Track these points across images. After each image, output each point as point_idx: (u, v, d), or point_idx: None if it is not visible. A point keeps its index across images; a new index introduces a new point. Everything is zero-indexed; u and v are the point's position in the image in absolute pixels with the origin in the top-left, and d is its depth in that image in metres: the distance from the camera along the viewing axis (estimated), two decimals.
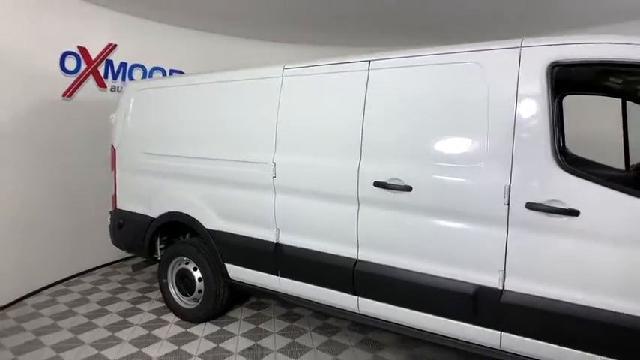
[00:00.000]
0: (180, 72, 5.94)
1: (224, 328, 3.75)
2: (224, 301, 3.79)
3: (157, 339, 3.56)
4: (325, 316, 3.92)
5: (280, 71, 3.25)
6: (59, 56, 4.75)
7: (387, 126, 2.79)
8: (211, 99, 3.65)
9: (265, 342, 3.51)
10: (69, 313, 4.04)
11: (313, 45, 6.50)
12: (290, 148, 3.16)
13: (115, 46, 5.33)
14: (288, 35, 6.28)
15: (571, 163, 2.34)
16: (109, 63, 5.32)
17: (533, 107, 2.35)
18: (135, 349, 3.38)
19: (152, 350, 3.37)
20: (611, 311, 2.16)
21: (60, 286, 4.72)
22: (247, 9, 5.18)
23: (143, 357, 3.27)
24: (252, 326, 3.79)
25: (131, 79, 5.50)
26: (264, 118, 3.27)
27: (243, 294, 4.24)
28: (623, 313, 2.14)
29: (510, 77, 2.40)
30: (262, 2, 4.92)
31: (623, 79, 2.73)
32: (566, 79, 2.64)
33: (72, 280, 4.91)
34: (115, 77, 5.39)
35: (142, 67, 5.68)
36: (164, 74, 5.82)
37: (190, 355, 3.30)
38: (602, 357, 2.21)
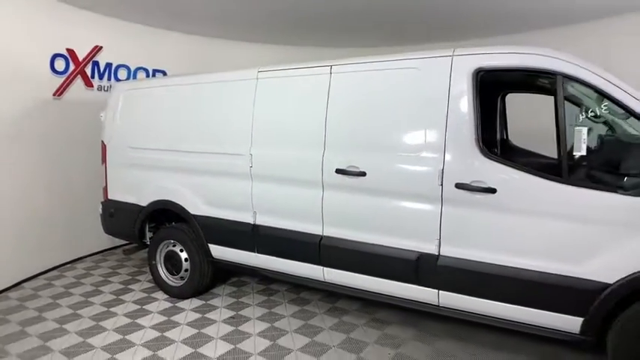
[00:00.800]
0: (164, 72, 6.33)
1: (208, 302, 4.22)
2: (208, 279, 4.25)
3: (148, 312, 4.00)
4: (298, 291, 4.42)
5: (255, 74, 3.72)
6: (49, 58, 5.09)
7: (345, 121, 3.30)
8: (196, 98, 4.08)
9: (245, 312, 3.99)
10: (65, 294, 4.44)
11: (291, 45, 6.93)
12: (264, 141, 3.63)
13: (101, 47, 5.68)
14: (265, 36, 6.70)
15: (504, 151, 2.88)
16: (96, 64, 5.68)
17: (462, 105, 2.88)
18: (129, 320, 3.82)
19: (145, 321, 3.82)
20: (524, 269, 2.72)
21: (55, 272, 5.10)
22: (225, 12, 5.58)
23: (137, 326, 3.71)
24: (234, 300, 4.26)
25: (116, 78, 5.86)
26: (241, 115, 3.73)
27: (225, 274, 4.71)
28: (533, 270, 2.70)
29: (444, 80, 2.93)
30: (240, 6, 5.32)
31: (540, 80, 3.27)
32: (503, 81, 3.18)
33: (66, 266, 5.29)
34: (101, 77, 5.75)
35: (127, 67, 6.05)
36: (147, 74, 6.19)
37: (179, 324, 3.76)
38: (519, 306, 2.76)
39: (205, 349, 3.33)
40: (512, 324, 2.84)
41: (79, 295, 4.42)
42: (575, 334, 2.66)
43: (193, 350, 3.33)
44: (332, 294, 4.14)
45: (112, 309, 4.08)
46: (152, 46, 6.23)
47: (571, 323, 2.64)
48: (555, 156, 2.82)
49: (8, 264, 4.58)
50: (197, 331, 3.64)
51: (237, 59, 5.68)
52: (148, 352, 3.29)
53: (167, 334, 3.59)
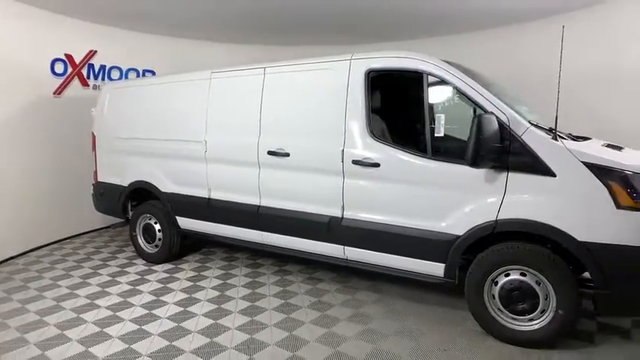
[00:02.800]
0: (152, 72, 7.15)
1: (178, 266, 5.05)
2: (177, 246, 5.08)
3: (127, 273, 4.85)
4: (255, 258, 5.21)
5: (209, 74, 4.52)
6: (49, 62, 5.97)
7: (276, 112, 4.07)
8: (165, 95, 4.90)
9: (206, 273, 4.81)
10: (62, 261, 5.32)
11: (263, 45, 7.65)
12: (216, 129, 4.43)
13: (96, 51, 6.55)
14: (245, 37, 7.41)
15: (399, 135, 3.61)
16: (91, 66, 6.55)
17: (357, 98, 3.62)
18: (109, 278, 4.68)
19: (123, 278, 4.67)
20: (402, 226, 3.46)
21: (55, 245, 6.01)
22: (206, 16, 6.29)
23: (116, 283, 4.56)
24: (199, 265, 5.08)
25: (110, 78, 6.73)
26: (198, 108, 4.54)
27: (195, 245, 5.54)
28: (408, 227, 3.43)
29: (345, 79, 3.67)
30: (217, 11, 6.04)
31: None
32: (393, 79, 3.89)
33: (65, 241, 6.20)
34: (96, 77, 6.62)
35: (119, 68, 6.91)
36: (138, 74, 7.04)
37: (150, 281, 4.59)
38: (400, 256, 3.50)
39: (166, 298, 4.15)
40: (398, 271, 3.58)
41: (72, 261, 5.30)
42: (441, 277, 3.38)
43: (156, 298, 4.15)
44: (279, 256, 4.93)
45: (99, 270, 4.95)
46: (142, 49, 7.05)
47: (437, 269, 3.37)
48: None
49: (16, 236, 5.49)
50: (162, 285, 4.47)
51: (220, 59, 6.41)
52: (119, 299, 4.13)
53: (139, 287, 4.43)
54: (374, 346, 3.19)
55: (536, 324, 3.06)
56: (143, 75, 7.06)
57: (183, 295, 4.19)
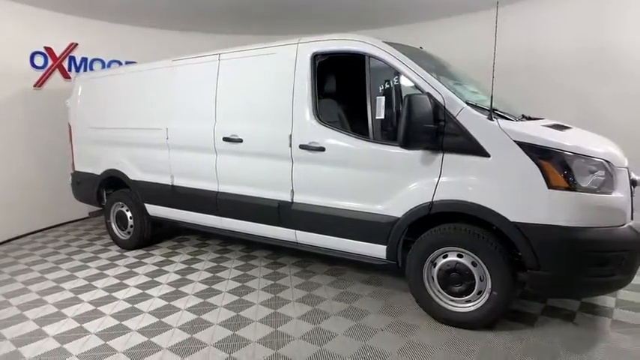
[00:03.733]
0: (135, 63, 7.23)
1: (149, 252, 5.16)
2: (148, 232, 5.18)
3: (99, 258, 4.99)
4: (225, 245, 5.29)
5: (170, 63, 4.57)
6: (29, 55, 6.11)
7: (229, 98, 4.12)
8: (129, 84, 5.00)
9: (175, 258, 4.91)
10: (43, 248, 5.51)
11: (235, 34, 7.64)
12: (176, 117, 4.50)
13: (76, 44, 6.66)
14: (224, 27, 7.47)
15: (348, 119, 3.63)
16: (72, 58, 6.68)
17: (304, 83, 3.63)
18: (81, 263, 4.83)
19: (93, 263, 4.81)
20: (346, 209, 3.48)
21: (39, 233, 6.20)
22: (184, 8, 6.36)
23: (85, 268, 4.69)
24: (170, 250, 5.19)
25: (92, 70, 6.83)
26: (160, 96, 4.61)
27: (171, 232, 5.65)
28: (353, 210, 3.45)
29: (292, 63, 3.68)
30: (196, 2, 6.11)
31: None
32: (340, 62, 3.86)
33: (52, 229, 6.39)
34: (77, 70, 6.74)
35: (101, 60, 7.02)
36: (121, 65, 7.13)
37: (118, 266, 4.71)
38: (346, 239, 3.53)
39: (129, 281, 4.26)
40: (346, 254, 3.61)
41: (52, 248, 5.47)
42: (384, 259, 3.40)
43: (119, 282, 4.27)
44: (249, 242, 5.01)
45: (73, 256, 5.10)
46: (123, 41, 7.12)
47: (380, 251, 3.38)
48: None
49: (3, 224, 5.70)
50: (129, 270, 4.59)
51: (198, 48, 6.43)
52: (84, 282, 4.27)
53: (106, 272, 4.55)
54: (315, 326, 3.24)
55: (472, 305, 3.06)
56: None
57: (146, 279, 4.30)
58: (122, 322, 3.41)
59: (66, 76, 6.59)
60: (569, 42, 5.75)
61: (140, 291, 4.01)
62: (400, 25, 6.97)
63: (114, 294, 3.97)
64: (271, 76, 3.83)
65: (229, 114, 4.10)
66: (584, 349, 2.82)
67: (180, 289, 4.03)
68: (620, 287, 2.94)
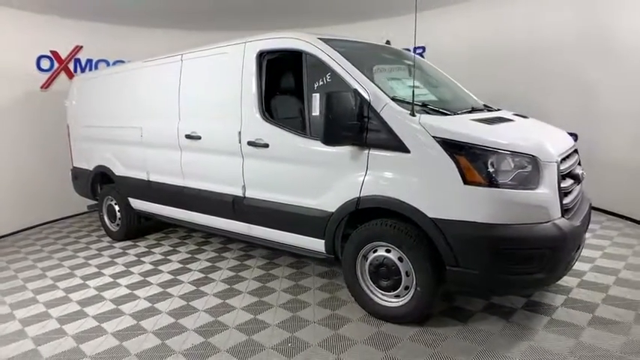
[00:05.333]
0: (123, 62, 7.53)
1: (136, 243, 5.48)
2: (135, 224, 5.49)
3: (89, 249, 5.36)
4: (207, 237, 5.51)
5: (141, 64, 4.81)
6: (35, 59, 6.57)
7: (190, 97, 4.29)
8: (112, 85, 5.30)
9: (156, 249, 5.18)
10: (47, 239, 5.97)
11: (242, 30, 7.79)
12: (148, 116, 4.73)
13: (81, 47, 7.08)
14: (223, 24, 7.64)
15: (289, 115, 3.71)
16: (77, 61, 7.11)
17: (250, 80, 3.73)
18: (72, 253, 5.21)
19: (83, 253, 5.19)
20: (287, 204, 3.57)
21: (48, 225, 6.71)
22: (179, 7, 6.62)
23: (75, 257, 5.07)
24: (155, 242, 5.48)
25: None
26: (135, 96, 4.86)
27: (162, 225, 5.95)
28: (293, 205, 3.54)
29: (240, 62, 3.79)
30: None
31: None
32: (285, 60, 3.89)
33: (58, 221, 6.90)
34: (83, 71, 7.16)
35: (106, 61, 7.41)
36: None
37: (103, 256, 5.05)
38: (289, 233, 3.62)
39: (106, 270, 4.57)
40: (291, 247, 3.70)
41: (52, 238, 5.93)
42: (323, 253, 3.46)
43: (97, 270, 4.59)
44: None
45: (68, 247, 5.51)
46: (127, 41, 7.45)
47: (319, 245, 3.45)
48: None
49: (10, 214, 6.21)
50: (110, 259, 4.91)
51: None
52: (67, 271, 4.62)
53: (90, 261, 4.90)
54: (252, 317, 3.37)
55: (401, 301, 3.08)
56: None
57: (121, 268, 4.59)
58: (84, 309, 3.69)
59: (72, 78, 7.00)
60: (568, 25, 5.57)
61: (111, 280, 4.30)
62: (390, 17, 6.87)
63: (88, 282, 4.28)
64: (223, 75, 3.96)
65: (190, 112, 4.27)
66: (504, 348, 2.77)
67: (147, 278, 4.28)
68: (545, 285, 2.87)
